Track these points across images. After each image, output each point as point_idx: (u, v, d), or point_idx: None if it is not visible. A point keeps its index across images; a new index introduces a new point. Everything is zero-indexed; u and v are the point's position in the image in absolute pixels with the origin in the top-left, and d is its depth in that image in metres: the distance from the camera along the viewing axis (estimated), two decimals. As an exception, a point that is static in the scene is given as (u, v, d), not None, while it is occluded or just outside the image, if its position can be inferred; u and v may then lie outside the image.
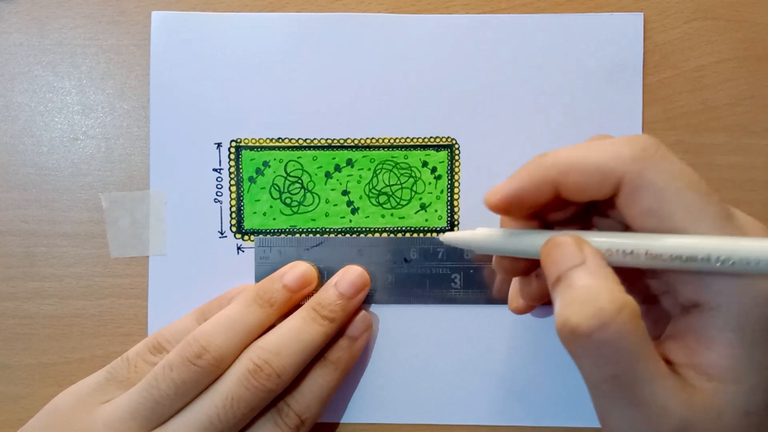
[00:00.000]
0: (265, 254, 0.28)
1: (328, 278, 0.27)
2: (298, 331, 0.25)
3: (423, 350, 0.29)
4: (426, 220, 0.29)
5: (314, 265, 0.28)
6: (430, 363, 0.29)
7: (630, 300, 0.18)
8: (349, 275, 0.27)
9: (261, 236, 0.29)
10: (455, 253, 0.28)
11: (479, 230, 0.22)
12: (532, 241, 0.21)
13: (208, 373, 0.24)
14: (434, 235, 0.29)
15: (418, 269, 0.28)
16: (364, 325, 0.27)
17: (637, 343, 0.18)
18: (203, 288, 0.29)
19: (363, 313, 0.27)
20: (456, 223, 0.29)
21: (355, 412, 0.29)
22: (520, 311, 0.26)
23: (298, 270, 0.27)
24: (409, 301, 0.28)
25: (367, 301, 0.28)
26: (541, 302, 0.25)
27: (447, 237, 0.23)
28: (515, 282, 0.27)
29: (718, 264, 0.18)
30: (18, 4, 0.29)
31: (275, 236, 0.29)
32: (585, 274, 0.19)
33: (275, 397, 0.25)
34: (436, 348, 0.29)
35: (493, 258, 0.23)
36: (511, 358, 0.29)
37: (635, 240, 0.20)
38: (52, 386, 0.29)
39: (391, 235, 0.29)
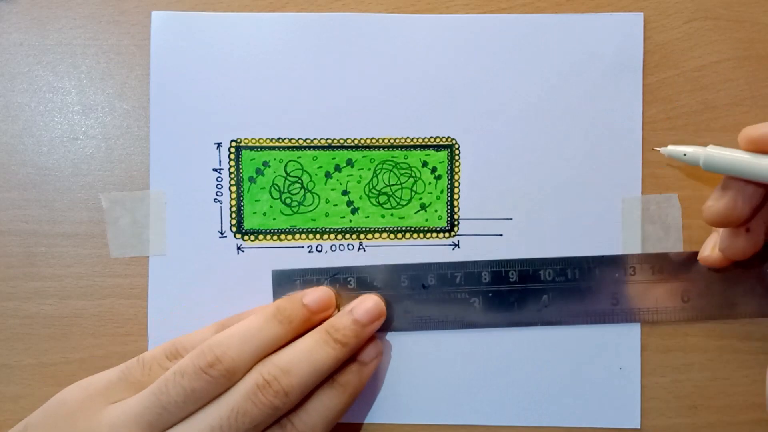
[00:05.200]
0: (280, 277, 0.28)
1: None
2: (310, 351, 0.25)
3: (432, 351, 0.29)
4: (426, 220, 0.29)
5: (335, 291, 0.28)
6: (436, 363, 0.29)
7: None
8: (366, 303, 0.27)
9: (277, 270, 0.28)
10: (473, 277, 0.28)
11: (711, 147, 0.23)
12: None
13: (219, 384, 0.24)
14: (434, 234, 0.29)
15: (436, 295, 0.28)
16: (375, 352, 0.27)
17: None
18: (203, 288, 0.29)
19: (375, 340, 0.27)
20: (456, 223, 0.29)
21: (359, 413, 0.29)
22: (711, 263, 0.27)
23: (319, 292, 0.27)
24: (429, 327, 0.28)
25: (386, 330, 0.28)
26: (742, 258, 0.25)
27: (669, 150, 0.24)
28: (717, 235, 0.26)
29: None
30: (18, 4, 0.29)
31: (293, 269, 0.29)
32: None
33: (280, 416, 0.24)
34: (444, 348, 0.29)
35: (707, 206, 0.24)
36: (512, 358, 0.29)
37: None
38: (52, 386, 0.29)
39: (392, 236, 0.29)
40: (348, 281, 0.28)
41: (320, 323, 0.26)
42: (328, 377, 0.26)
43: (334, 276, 0.28)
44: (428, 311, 0.28)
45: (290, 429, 0.25)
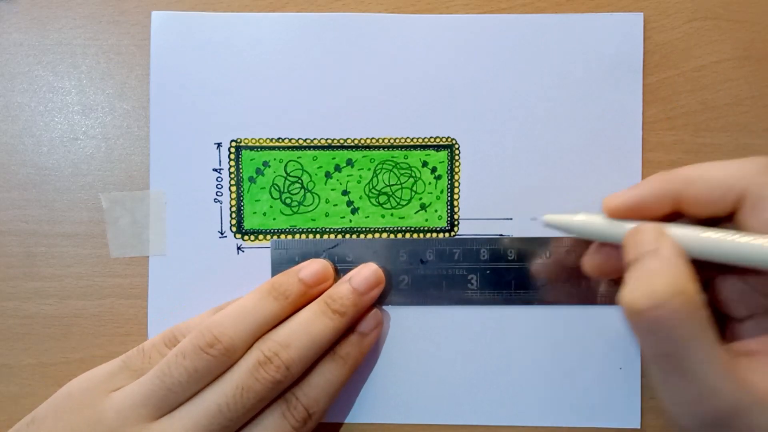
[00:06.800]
0: (281, 256, 0.28)
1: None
2: (308, 324, 0.25)
3: (432, 350, 0.29)
4: (426, 220, 0.29)
5: (332, 263, 0.28)
6: (437, 362, 0.29)
7: (690, 288, 0.20)
8: (364, 271, 0.27)
9: (276, 239, 0.29)
10: (471, 253, 0.28)
11: (580, 215, 0.24)
12: (624, 229, 0.23)
13: (220, 363, 0.24)
14: (434, 234, 0.29)
15: (434, 270, 0.28)
16: (375, 322, 0.27)
17: (690, 326, 0.19)
18: (203, 288, 0.29)
19: (375, 310, 0.27)
20: (456, 223, 0.29)
21: (360, 412, 0.29)
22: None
23: (315, 266, 0.27)
24: (425, 302, 0.28)
25: (383, 302, 0.28)
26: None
27: (549, 218, 0.25)
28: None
29: None
30: (18, 4, 0.29)
31: (291, 239, 0.29)
32: (654, 259, 0.21)
33: (284, 389, 0.25)
34: (444, 348, 0.29)
35: (584, 258, 0.26)
36: (512, 358, 0.29)
37: (719, 235, 0.21)
38: (52, 386, 0.29)
39: (392, 236, 0.29)
40: (346, 255, 0.28)
41: (319, 297, 0.27)
42: (329, 350, 0.26)
43: (331, 249, 0.28)
44: (426, 286, 0.28)
45: (294, 402, 0.25)
